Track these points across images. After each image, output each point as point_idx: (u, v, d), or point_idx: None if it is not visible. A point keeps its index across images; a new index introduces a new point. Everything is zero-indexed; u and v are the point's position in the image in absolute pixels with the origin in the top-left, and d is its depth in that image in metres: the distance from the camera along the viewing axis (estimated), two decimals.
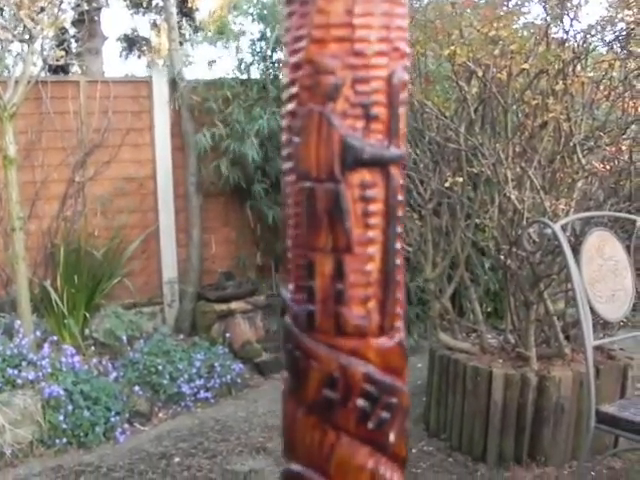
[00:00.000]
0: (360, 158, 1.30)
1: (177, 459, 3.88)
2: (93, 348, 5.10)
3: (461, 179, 3.88)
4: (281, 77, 5.34)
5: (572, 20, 3.59)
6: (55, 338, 4.70)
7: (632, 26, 3.56)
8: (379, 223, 1.33)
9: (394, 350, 1.38)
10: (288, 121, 1.35)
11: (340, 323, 1.33)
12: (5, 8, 5.14)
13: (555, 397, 3.57)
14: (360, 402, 1.34)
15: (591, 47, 3.77)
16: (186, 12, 10.27)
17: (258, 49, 6.16)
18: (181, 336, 5.53)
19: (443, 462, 3.75)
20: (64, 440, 3.99)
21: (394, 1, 1.32)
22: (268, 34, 6.07)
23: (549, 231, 3.12)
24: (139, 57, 12.08)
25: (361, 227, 1.31)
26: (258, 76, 6.14)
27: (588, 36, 3.65)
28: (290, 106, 1.34)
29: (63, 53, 5.83)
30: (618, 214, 3.67)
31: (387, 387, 1.36)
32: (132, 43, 11.90)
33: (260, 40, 6.15)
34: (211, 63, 6.29)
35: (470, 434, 3.78)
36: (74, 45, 8.39)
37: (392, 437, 1.37)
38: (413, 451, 3.88)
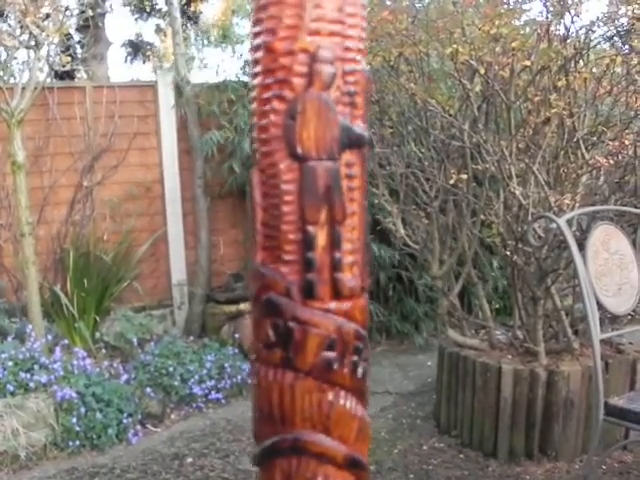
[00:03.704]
0: (352, 140, 1.45)
1: (190, 459, 3.91)
2: (104, 351, 5.14)
3: (466, 176, 3.89)
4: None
5: (573, 17, 3.61)
6: (66, 342, 4.74)
7: (633, 22, 3.57)
8: (358, 197, 1.50)
9: (367, 307, 1.57)
10: (275, 105, 1.46)
11: (338, 288, 1.48)
12: (10, 15, 5.17)
13: (564, 392, 3.58)
14: (353, 358, 1.51)
15: (592, 43, 3.78)
16: (190, 16, 10.30)
17: None
18: (191, 338, 5.55)
19: (454, 458, 3.77)
20: (77, 442, 4.02)
21: (364, 6, 1.50)
22: None
23: (554, 226, 3.13)
24: (144, 62, 12.13)
25: (347, 201, 1.48)
26: None
27: (589, 32, 3.67)
28: (276, 91, 1.46)
29: (69, 59, 5.87)
30: (624, 208, 3.68)
31: (366, 341, 1.55)
32: (137, 48, 11.95)
33: None
34: (218, 67, 6.36)
35: (480, 430, 3.80)
36: (79, 51, 8.43)
37: (368, 383, 1.57)
38: (424, 448, 3.91)
